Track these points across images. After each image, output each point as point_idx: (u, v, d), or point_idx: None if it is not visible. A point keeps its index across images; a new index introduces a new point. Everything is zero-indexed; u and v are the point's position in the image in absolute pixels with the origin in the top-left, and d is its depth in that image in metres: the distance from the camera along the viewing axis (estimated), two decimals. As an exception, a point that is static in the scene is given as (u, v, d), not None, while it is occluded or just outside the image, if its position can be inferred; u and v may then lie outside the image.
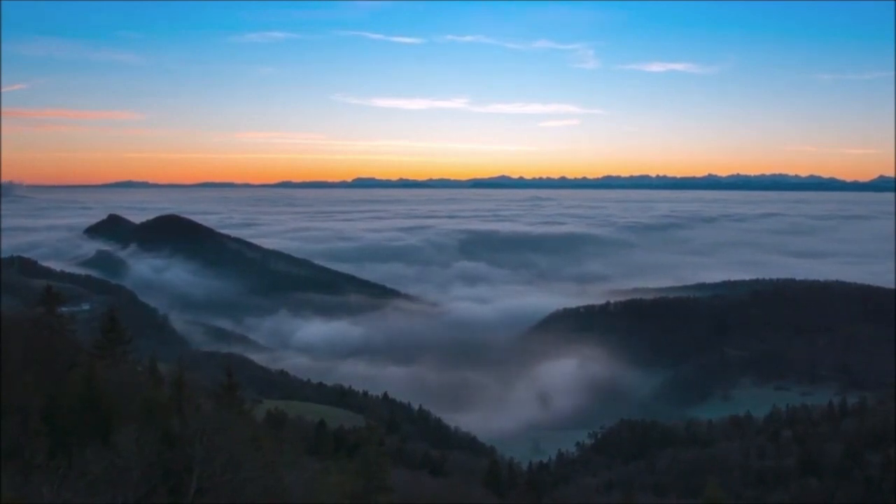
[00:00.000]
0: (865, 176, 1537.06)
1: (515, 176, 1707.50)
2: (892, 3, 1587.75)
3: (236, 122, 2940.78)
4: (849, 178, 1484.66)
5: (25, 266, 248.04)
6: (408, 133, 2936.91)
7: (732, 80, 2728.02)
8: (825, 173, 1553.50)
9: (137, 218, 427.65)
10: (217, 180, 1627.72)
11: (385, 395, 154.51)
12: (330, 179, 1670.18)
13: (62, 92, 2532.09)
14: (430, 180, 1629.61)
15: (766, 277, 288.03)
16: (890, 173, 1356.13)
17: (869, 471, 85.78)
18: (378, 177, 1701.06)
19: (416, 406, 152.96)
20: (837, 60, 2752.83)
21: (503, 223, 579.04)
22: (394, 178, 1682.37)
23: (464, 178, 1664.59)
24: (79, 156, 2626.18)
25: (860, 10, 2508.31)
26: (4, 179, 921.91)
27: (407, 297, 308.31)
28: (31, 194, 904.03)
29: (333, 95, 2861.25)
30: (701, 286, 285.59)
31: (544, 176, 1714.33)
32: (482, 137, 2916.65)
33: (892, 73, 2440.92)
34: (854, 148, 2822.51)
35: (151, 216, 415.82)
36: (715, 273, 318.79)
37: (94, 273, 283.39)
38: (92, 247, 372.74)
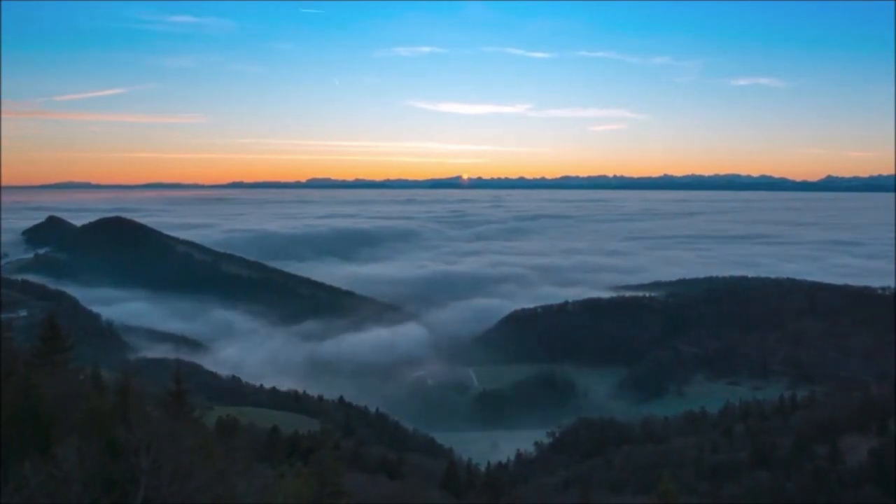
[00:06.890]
0: (814, 176, 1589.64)
1: (475, 176, 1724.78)
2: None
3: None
4: (798, 178, 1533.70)
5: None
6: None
7: (707, 83, 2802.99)
8: (777, 173, 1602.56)
9: (79, 220, 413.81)
10: (164, 180, 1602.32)
11: (341, 398, 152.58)
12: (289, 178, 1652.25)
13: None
14: (388, 181, 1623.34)
15: (720, 275, 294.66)
16: (837, 173, 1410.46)
17: (817, 462, 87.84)
18: (333, 177, 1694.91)
19: (373, 409, 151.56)
20: (796, 64, 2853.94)
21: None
22: (350, 178, 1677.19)
23: (422, 178, 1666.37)
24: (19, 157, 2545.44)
25: (809, 13, 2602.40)
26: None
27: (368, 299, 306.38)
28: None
29: (406, 101, 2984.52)
30: (657, 285, 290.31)
31: (503, 176, 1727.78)
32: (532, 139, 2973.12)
33: (844, 75, 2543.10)
34: (804, 148, 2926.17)
35: (94, 218, 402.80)
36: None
37: (32, 278, 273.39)
38: (30, 250, 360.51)
